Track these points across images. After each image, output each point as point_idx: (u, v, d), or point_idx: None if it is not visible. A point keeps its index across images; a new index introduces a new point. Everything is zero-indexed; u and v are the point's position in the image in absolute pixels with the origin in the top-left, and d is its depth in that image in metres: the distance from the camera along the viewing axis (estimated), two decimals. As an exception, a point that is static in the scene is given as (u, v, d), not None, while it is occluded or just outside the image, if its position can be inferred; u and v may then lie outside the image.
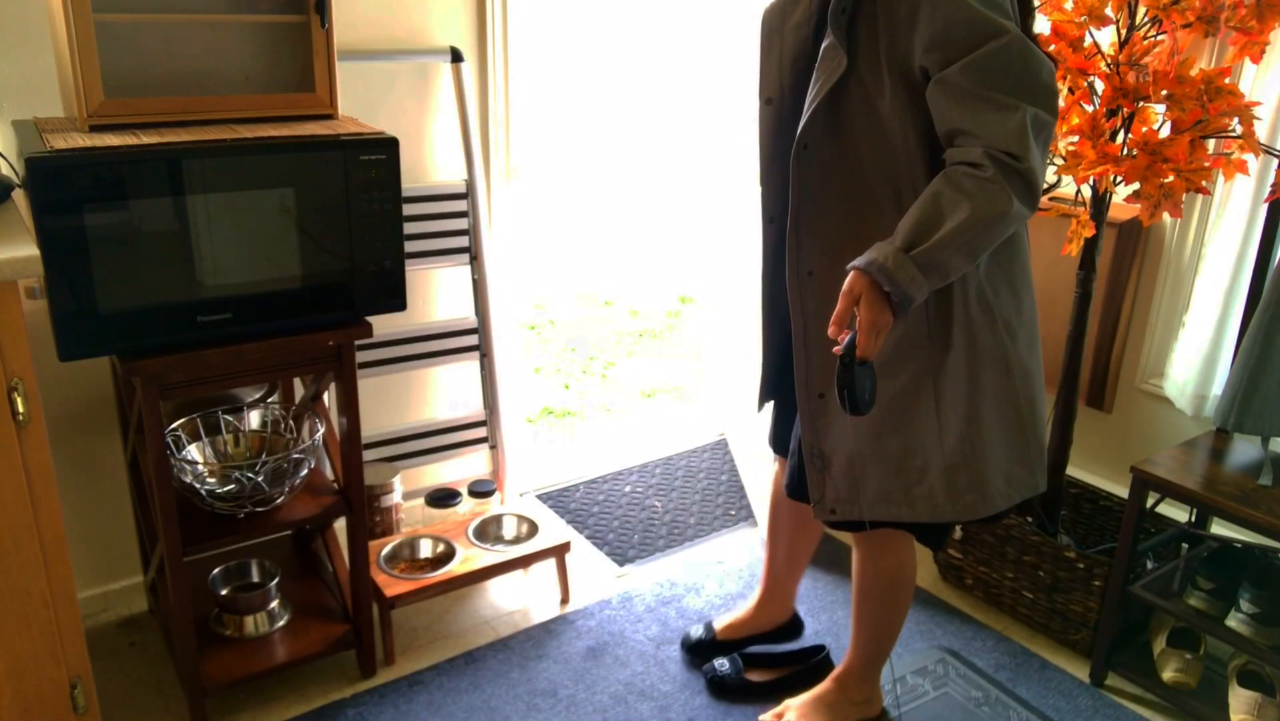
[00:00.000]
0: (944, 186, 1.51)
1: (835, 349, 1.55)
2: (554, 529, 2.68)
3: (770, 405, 2.10)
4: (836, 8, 1.59)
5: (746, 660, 2.33)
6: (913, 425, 1.74)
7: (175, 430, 2.17)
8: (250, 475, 2.06)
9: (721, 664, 2.33)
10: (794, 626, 2.46)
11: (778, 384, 2.00)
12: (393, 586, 2.36)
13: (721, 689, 2.29)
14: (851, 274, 1.53)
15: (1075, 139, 2.14)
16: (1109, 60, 2.12)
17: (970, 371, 1.71)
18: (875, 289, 1.51)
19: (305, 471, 2.15)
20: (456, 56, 2.55)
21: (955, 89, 1.51)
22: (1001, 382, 1.73)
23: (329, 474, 2.33)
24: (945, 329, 1.69)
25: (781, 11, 1.76)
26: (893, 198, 1.65)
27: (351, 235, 1.98)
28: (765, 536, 2.38)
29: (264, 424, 2.30)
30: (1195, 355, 2.49)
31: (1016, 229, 1.64)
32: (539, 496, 3.14)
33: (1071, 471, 2.68)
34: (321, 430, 2.21)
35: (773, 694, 2.27)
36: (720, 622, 2.44)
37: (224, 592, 2.31)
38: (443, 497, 2.74)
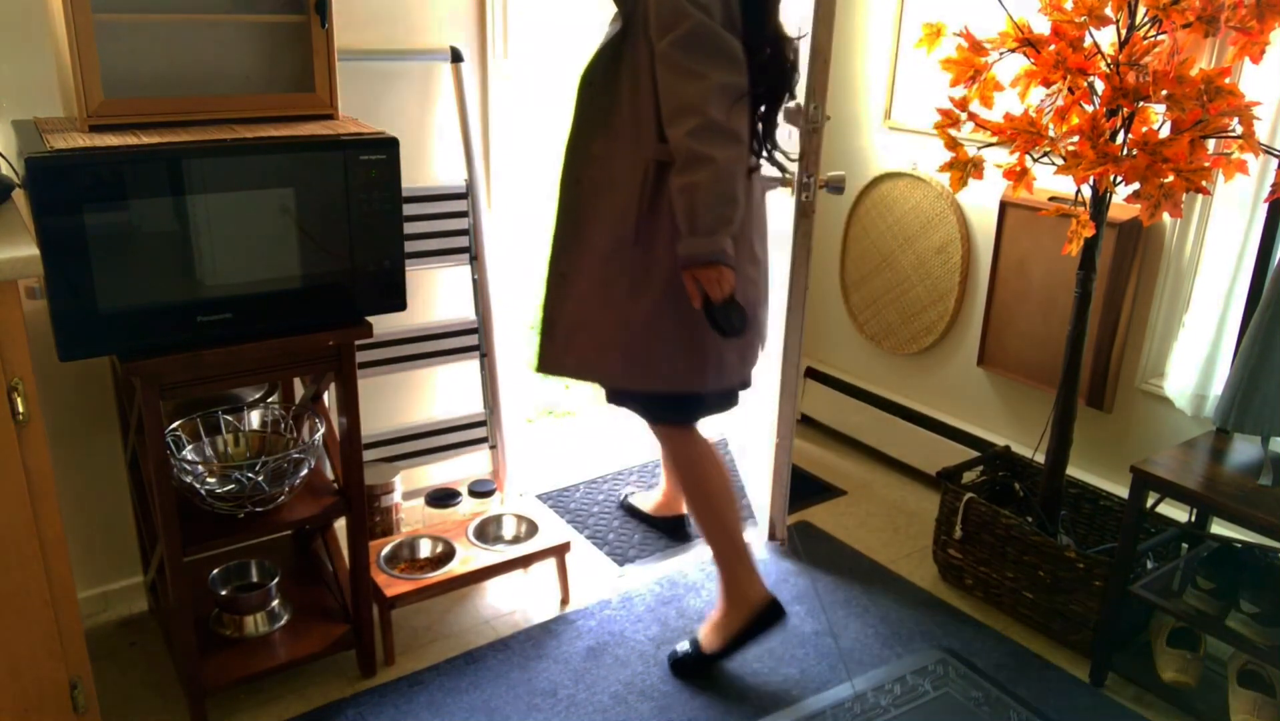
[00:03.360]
0: (677, 178, 1.96)
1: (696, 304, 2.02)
2: (554, 529, 2.68)
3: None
4: None
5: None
6: (614, 308, 2.16)
7: (175, 430, 2.17)
8: (250, 475, 2.06)
9: (682, 645, 2.40)
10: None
11: None
12: (393, 586, 2.36)
13: (683, 668, 2.36)
14: (682, 271, 1.99)
15: (1075, 139, 2.14)
16: (1109, 60, 2.12)
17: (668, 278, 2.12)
18: (697, 265, 1.97)
19: (305, 471, 2.15)
20: (456, 56, 2.55)
21: (660, 58, 1.96)
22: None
23: (329, 474, 2.33)
24: (652, 245, 2.12)
25: None
26: (637, 121, 2.09)
27: (351, 235, 1.98)
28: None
29: (264, 424, 2.30)
30: (1195, 355, 2.49)
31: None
32: (539, 496, 3.14)
33: (1071, 471, 2.68)
34: (321, 430, 2.21)
35: (728, 662, 2.34)
36: (649, 503, 3.00)
37: (224, 592, 2.31)
38: (443, 497, 2.74)
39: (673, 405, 2.28)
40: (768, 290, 2.31)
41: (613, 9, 2.14)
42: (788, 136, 2.47)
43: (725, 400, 2.34)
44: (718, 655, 2.36)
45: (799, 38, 2.19)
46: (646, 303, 2.13)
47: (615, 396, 2.34)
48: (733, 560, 2.33)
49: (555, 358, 2.24)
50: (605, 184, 2.14)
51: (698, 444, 2.31)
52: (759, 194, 2.26)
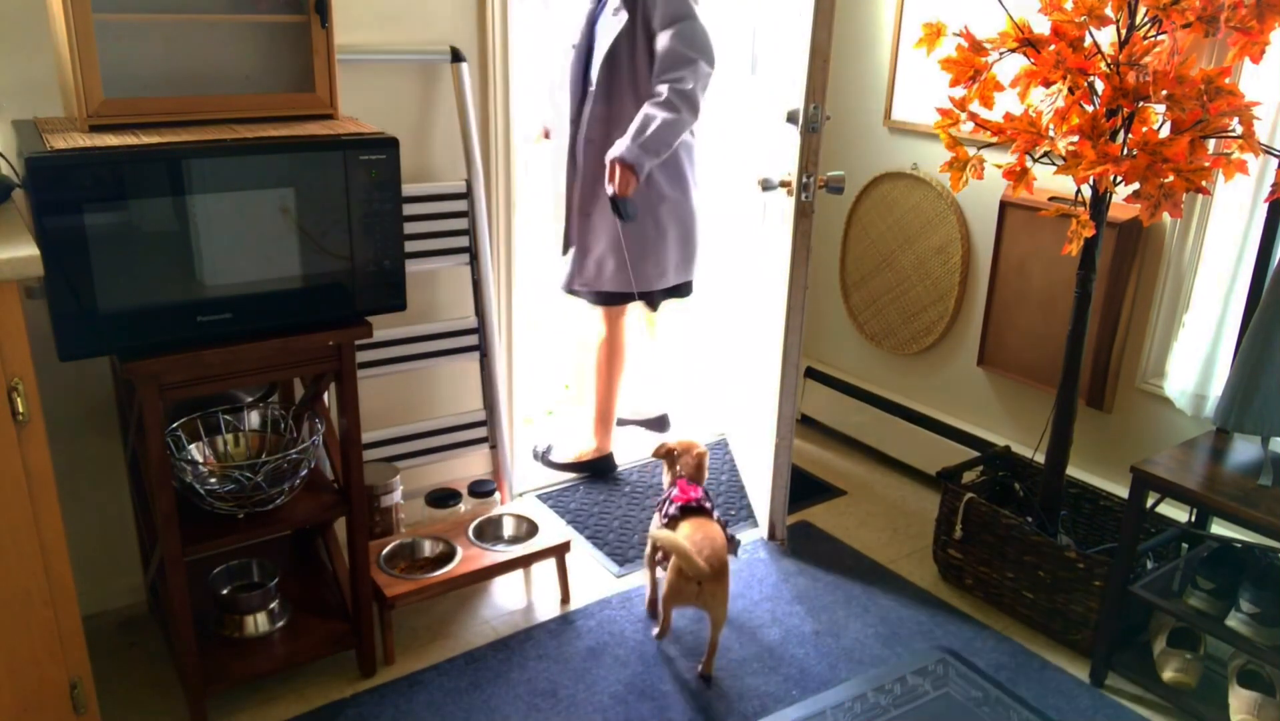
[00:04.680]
0: (649, 109, 2.80)
1: (610, 194, 2.87)
2: (554, 529, 2.68)
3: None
4: None
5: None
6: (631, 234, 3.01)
7: (175, 430, 2.17)
8: (250, 475, 2.06)
9: (543, 444, 3.29)
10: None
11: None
12: (393, 586, 2.36)
13: (535, 455, 3.27)
14: (610, 159, 2.82)
15: (1075, 139, 2.14)
16: (1109, 60, 2.12)
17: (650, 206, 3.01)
18: (623, 164, 2.81)
19: (305, 471, 2.15)
20: (456, 56, 2.55)
21: (664, 44, 2.79)
22: (660, 214, 3.02)
23: (329, 474, 2.33)
24: (655, 182, 2.98)
25: None
26: (635, 89, 2.90)
27: (351, 235, 1.98)
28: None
29: (264, 424, 2.30)
30: (1195, 355, 2.49)
31: (687, 138, 2.99)
32: (539, 496, 3.14)
33: (1071, 471, 2.68)
34: (321, 430, 2.21)
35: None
36: (570, 453, 3.41)
37: (224, 592, 2.31)
38: (443, 497, 2.74)
39: (656, 296, 3.18)
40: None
41: (582, 8, 2.96)
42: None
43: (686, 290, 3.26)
44: (556, 466, 3.30)
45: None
46: (658, 227, 3.01)
47: (611, 297, 3.10)
48: (608, 413, 3.27)
49: (590, 277, 3.06)
50: (610, 143, 2.87)
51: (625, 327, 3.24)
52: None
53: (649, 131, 2.76)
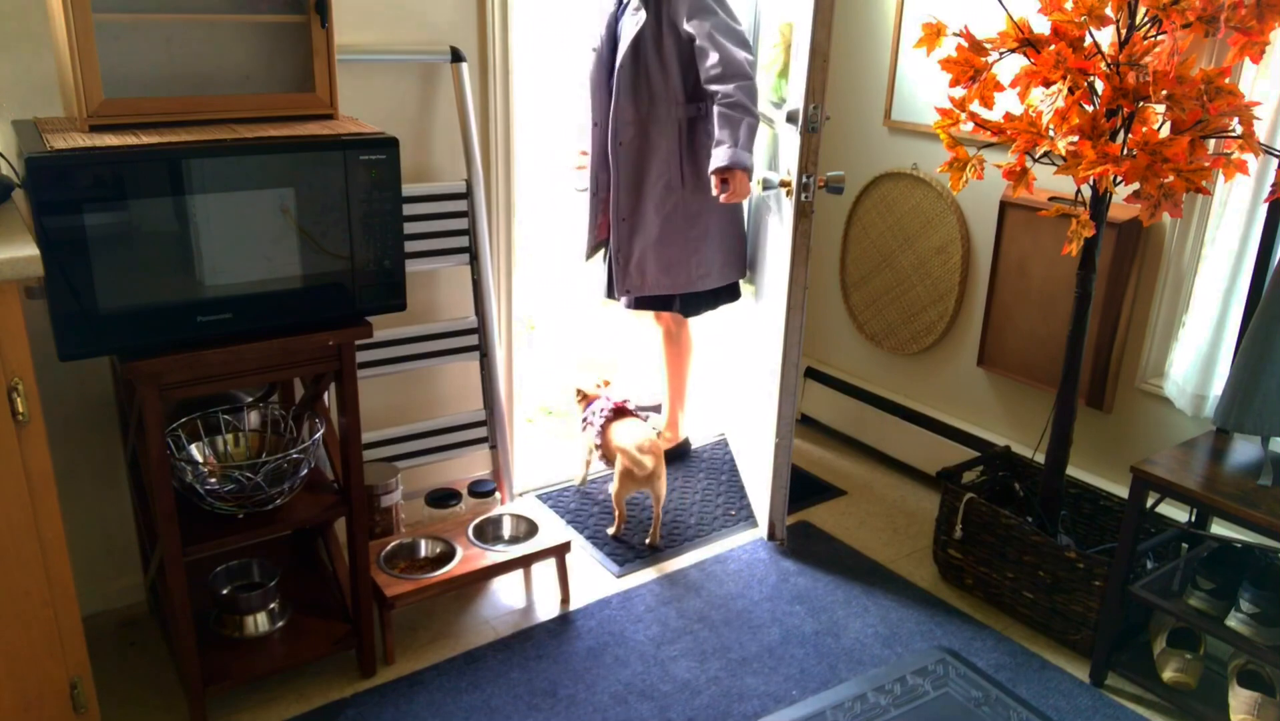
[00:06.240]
0: (727, 111, 2.73)
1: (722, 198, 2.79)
2: (554, 529, 2.68)
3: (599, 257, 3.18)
4: None
5: None
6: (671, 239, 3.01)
7: (175, 430, 2.17)
8: (250, 475, 2.06)
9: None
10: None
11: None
12: (393, 586, 2.36)
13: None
14: (720, 169, 2.72)
15: (1075, 139, 2.14)
16: (1109, 60, 2.12)
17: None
18: (742, 170, 2.72)
19: (305, 471, 2.15)
20: (456, 56, 2.55)
21: (701, 39, 2.76)
22: (703, 217, 3.01)
23: (329, 474, 2.33)
24: (697, 186, 2.97)
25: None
26: (665, 99, 2.88)
27: (351, 235, 1.98)
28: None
29: (264, 424, 2.30)
30: (1195, 355, 2.49)
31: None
32: (539, 496, 3.14)
33: (1071, 471, 2.68)
34: (321, 430, 2.21)
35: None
36: None
37: (224, 592, 2.31)
38: (443, 497, 2.74)
39: (701, 300, 3.14)
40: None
41: (598, 12, 2.95)
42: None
43: (732, 295, 3.21)
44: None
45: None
46: (700, 228, 2.99)
47: (649, 301, 3.10)
48: (680, 405, 3.39)
49: (635, 283, 3.02)
50: (644, 145, 2.91)
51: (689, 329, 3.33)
52: None
53: (742, 133, 2.71)
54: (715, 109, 2.74)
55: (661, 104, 2.86)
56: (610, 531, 2.93)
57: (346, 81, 2.39)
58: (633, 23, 2.83)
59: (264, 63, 2.00)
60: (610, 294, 3.13)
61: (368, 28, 2.46)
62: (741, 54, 2.73)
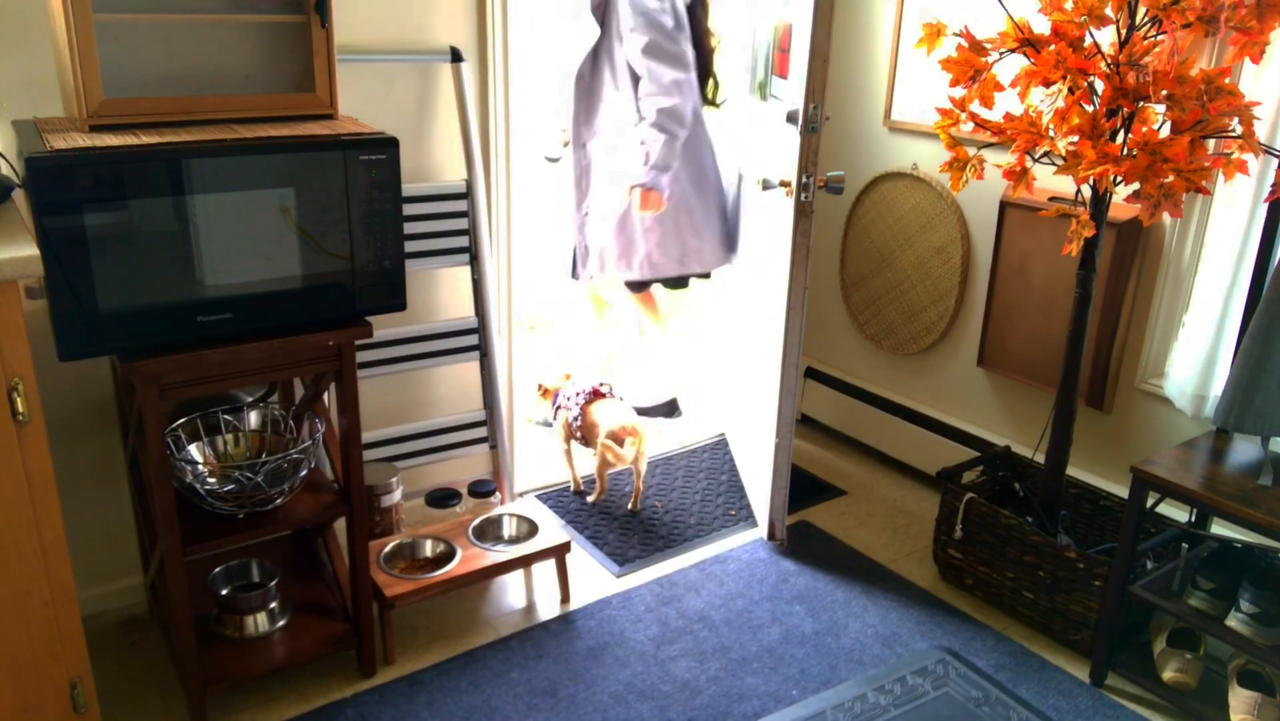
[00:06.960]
0: (644, 132, 3.13)
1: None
2: (554, 529, 2.68)
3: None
4: (593, 4, 3.16)
5: None
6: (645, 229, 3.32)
7: (175, 430, 2.17)
8: (250, 475, 2.06)
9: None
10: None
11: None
12: (393, 586, 2.36)
13: None
14: (631, 188, 3.19)
15: (1075, 139, 2.14)
16: (1109, 60, 2.12)
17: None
18: (644, 189, 3.15)
19: (305, 471, 2.15)
20: (456, 56, 2.55)
21: (638, 59, 3.08)
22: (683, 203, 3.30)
23: (329, 474, 2.33)
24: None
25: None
26: (621, 104, 3.17)
27: (351, 235, 1.98)
28: None
29: (264, 424, 2.30)
30: (1195, 355, 2.49)
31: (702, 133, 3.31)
32: (539, 496, 3.14)
33: (1071, 471, 2.68)
34: (321, 430, 2.21)
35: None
36: None
37: (224, 592, 2.31)
38: (443, 497, 2.74)
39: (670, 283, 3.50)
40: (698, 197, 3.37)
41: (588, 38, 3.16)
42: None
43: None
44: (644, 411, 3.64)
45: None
46: (666, 220, 3.26)
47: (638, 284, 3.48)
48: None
49: (619, 269, 3.34)
50: (609, 146, 3.23)
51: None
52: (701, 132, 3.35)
53: (660, 152, 3.11)
54: (641, 126, 3.12)
55: (620, 109, 3.17)
56: (590, 499, 3.10)
57: (346, 81, 2.39)
58: (602, 43, 3.17)
59: (264, 63, 2.00)
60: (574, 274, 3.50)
61: (368, 28, 2.46)
62: (670, 75, 3.05)
